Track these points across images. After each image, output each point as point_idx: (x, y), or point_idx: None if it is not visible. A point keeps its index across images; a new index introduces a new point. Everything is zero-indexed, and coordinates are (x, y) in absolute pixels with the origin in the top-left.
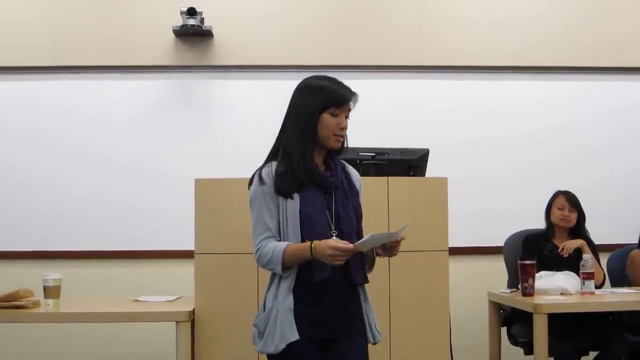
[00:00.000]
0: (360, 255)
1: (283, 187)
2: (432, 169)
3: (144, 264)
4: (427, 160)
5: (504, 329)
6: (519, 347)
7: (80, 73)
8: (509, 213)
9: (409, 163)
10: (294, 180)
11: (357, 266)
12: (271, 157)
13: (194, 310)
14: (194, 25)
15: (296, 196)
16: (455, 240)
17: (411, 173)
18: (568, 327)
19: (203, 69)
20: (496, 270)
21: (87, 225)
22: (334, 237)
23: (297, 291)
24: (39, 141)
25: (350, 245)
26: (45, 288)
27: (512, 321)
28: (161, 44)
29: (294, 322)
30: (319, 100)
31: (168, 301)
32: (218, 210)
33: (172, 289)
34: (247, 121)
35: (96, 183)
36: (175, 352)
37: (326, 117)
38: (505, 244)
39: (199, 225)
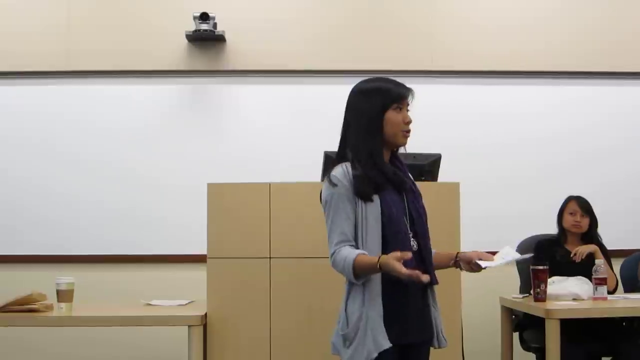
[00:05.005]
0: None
1: (363, 189)
2: (444, 174)
3: (156, 269)
4: (439, 165)
5: (516, 334)
6: (531, 353)
7: (92, 78)
8: (521, 218)
9: (421, 168)
10: (371, 182)
11: (431, 267)
12: (337, 163)
13: (206, 314)
14: (206, 30)
15: (376, 198)
16: (467, 245)
17: (423, 178)
18: (580, 332)
19: (215, 73)
20: (508, 276)
21: (99, 230)
22: (412, 240)
23: (384, 296)
24: (52, 147)
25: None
26: (58, 292)
27: (524, 326)
28: (174, 49)
29: (383, 328)
30: (379, 100)
31: (180, 305)
32: (231, 214)
33: (185, 294)
34: (259, 126)
35: (108, 188)
36: (188, 357)
37: (391, 115)
38: (517, 248)
39: (212, 229)
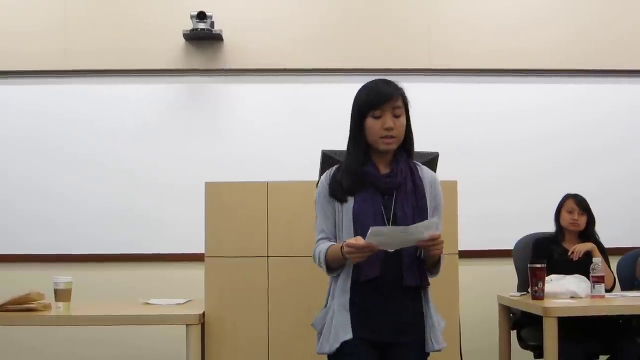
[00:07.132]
0: (416, 256)
1: (337, 191)
2: (442, 173)
3: (154, 268)
4: (437, 164)
5: (514, 333)
6: (529, 351)
7: (90, 78)
8: (519, 216)
9: None
10: (344, 184)
11: (412, 267)
12: None
13: (204, 313)
14: (204, 29)
15: (350, 199)
16: (465, 243)
17: None
18: (578, 331)
19: (213, 73)
20: (506, 274)
21: (97, 229)
22: None
23: (353, 291)
24: (50, 146)
25: (362, 242)
26: (56, 291)
27: (523, 325)
28: (171, 48)
29: (349, 321)
30: (358, 107)
31: (178, 304)
32: (228, 213)
33: (183, 293)
34: (257, 125)
35: (106, 188)
36: (186, 356)
37: (369, 122)
38: (515, 247)
39: (210, 228)
